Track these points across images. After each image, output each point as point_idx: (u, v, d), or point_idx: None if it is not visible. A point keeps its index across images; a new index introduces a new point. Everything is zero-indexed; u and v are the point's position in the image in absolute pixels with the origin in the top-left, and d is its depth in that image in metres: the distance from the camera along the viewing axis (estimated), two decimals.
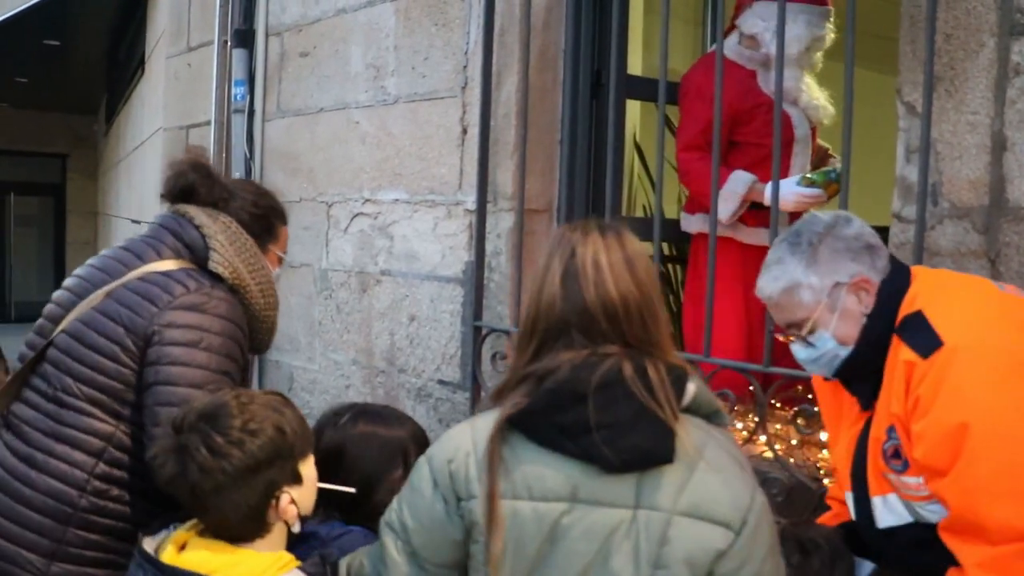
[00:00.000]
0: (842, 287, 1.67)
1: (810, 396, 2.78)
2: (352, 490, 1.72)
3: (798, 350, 1.75)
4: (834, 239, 1.68)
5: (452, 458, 1.41)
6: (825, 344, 1.71)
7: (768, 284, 1.73)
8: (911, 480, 1.61)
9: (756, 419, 2.45)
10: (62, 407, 1.95)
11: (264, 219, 2.23)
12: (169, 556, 1.53)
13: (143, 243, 2.11)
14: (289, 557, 1.56)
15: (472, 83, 3.14)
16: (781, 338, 1.79)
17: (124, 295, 1.99)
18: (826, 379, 1.82)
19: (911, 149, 2.15)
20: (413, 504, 1.44)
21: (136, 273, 2.02)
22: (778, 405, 2.97)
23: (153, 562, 1.52)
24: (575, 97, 3.04)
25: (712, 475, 1.37)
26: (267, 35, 4.30)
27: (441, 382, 3.25)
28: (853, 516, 1.78)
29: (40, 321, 2.12)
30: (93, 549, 1.93)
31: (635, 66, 3.42)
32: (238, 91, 4.36)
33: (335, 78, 3.82)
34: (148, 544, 1.58)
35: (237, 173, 4.36)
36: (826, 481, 2.33)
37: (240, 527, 1.55)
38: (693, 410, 1.44)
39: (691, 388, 1.42)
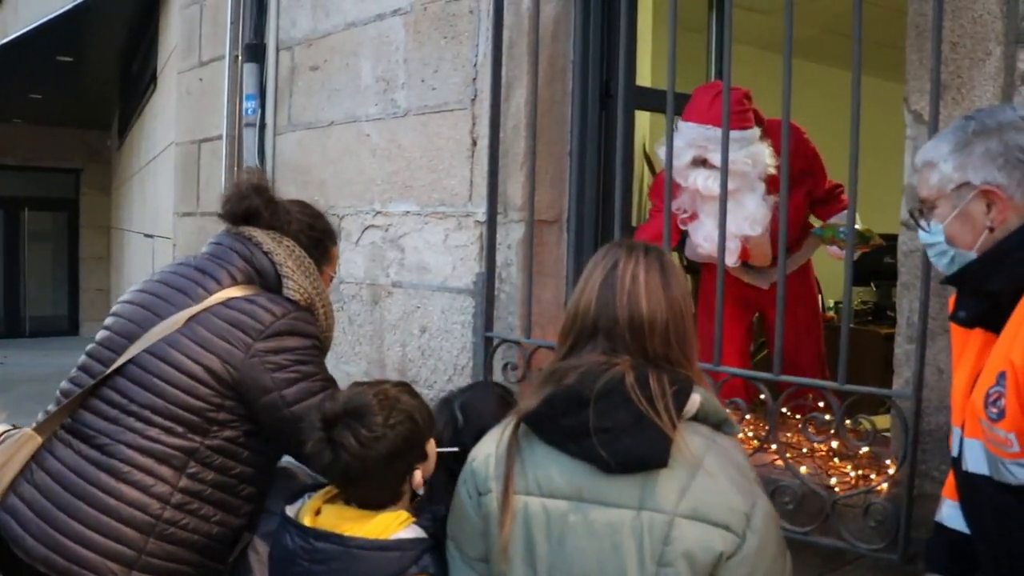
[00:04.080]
0: (971, 189, 1.60)
1: (821, 404, 2.79)
2: (455, 449, 1.91)
3: (919, 229, 1.74)
4: (1000, 140, 1.58)
5: (475, 457, 1.57)
6: (935, 235, 1.67)
7: (922, 151, 1.70)
8: (1001, 433, 1.49)
9: (767, 427, 2.45)
10: (148, 424, 2.00)
11: (321, 243, 2.33)
12: (308, 520, 1.79)
13: (216, 265, 2.16)
14: (407, 515, 1.81)
15: (482, 95, 3.16)
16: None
17: (213, 323, 2.05)
18: (943, 281, 1.76)
19: None
20: (453, 501, 1.62)
21: (218, 299, 2.09)
22: (788, 413, 2.98)
23: (297, 525, 1.79)
24: (584, 108, 3.06)
25: (711, 480, 1.43)
26: (278, 49, 4.33)
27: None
28: (954, 452, 1.69)
29: (107, 334, 2.16)
30: (171, 560, 1.99)
31: (644, 77, 3.44)
32: (249, 105, 4.39)
33: (345, 91, 3.85)
34: (290, 511, 1.84)
35: None
36: (836, 488, 2.34)
37: (380, 499, 1.81)
38: (700, 419, 1.51)
39: (696, 398, 1.50)
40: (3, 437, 2.08)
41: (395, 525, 1.78)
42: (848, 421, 2.33)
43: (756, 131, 2.94)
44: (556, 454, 1.47)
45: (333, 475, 1.81)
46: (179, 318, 2.06)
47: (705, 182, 2.86)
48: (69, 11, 7.81)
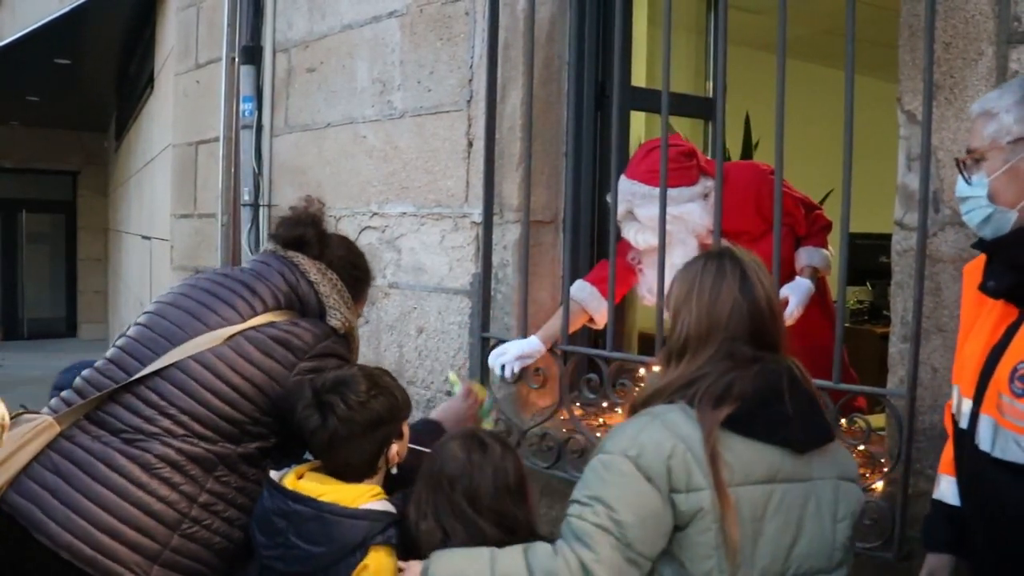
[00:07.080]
0: None
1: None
2: (428, 450, 2.01)
3: (959, 181, 1.68)
4: None
5: (671, 455, 1.57)
6: (978, 188, 1.61)
7: (981, 100, 1.64)
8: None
9: None
10: (185, 429, 2.05)
11: (360, 283, 2.42)
12: (290, 483, 1.95)
13: (263, 284, 2.23)
14: (379, 489, 1.97)
15: (477, 96, 3.17)
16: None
17: (260, 342, 2.13)
18: (974, 245, 1.70)
19: (912, 157, 2.17)
20: (625, 500, 1.58)
21: (260, 321, 2.16)
22: None
23: (278, 487, 1.94)
24: (579, 109, 3.07)
25: (839, 446, 1.77)
26: (274, 51, 4.34)
27: (450, 393, 3.26)
28: (963, 426, 1.66)
29: (148, 333, 2.17)
30: (191, 559, 2.03)
31: (639, 77, 3.44)
32: (246, 107, 4.40)
33: (342, 93, 3.85)
34: (275, 475, 1.99)
35: (246, 188, 4.40)
36: None
37: (358, 468, 1.98)
38: None
39: None
40: (15, 416, 2.07)
41: (367, 496, 1.92)
42: (843, 420, 2.33)
43: (688, 190, 2.82)
44: (753, 444, 1.60)
45: (319, 440, 1.97)
46: (223, 332, 2.12)
47: (635, 236, 2.84)
48: (66, 14, 7.80)
